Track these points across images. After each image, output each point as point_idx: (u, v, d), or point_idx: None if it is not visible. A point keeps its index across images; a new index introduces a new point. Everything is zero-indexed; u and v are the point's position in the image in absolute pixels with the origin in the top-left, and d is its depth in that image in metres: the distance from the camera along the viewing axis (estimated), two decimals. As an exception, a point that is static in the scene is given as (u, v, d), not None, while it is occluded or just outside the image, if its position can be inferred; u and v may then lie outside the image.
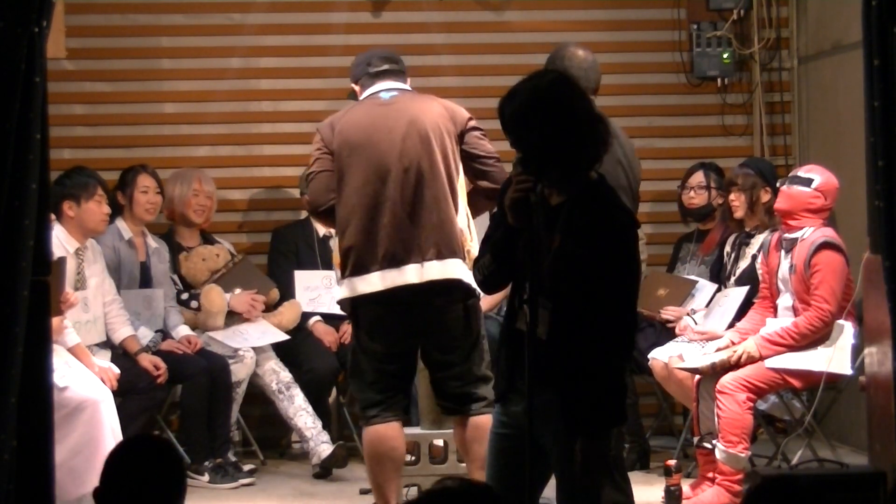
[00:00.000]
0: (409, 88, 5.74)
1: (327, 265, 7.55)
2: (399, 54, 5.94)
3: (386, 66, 5.74)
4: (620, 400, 4.16)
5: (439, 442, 6.39)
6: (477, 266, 4.31)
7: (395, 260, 5.47)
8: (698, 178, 7.49)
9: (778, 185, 6.71)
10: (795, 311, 6.46)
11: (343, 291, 5.59)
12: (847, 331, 6.39)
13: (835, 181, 6.56)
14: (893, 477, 4.76)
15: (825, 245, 6.39)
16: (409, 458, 6.20)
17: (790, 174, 6.63)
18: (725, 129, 8.29)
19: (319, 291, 7.53)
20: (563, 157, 4.10)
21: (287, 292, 7.59)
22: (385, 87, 5.69)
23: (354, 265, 5.52)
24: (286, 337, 7.39)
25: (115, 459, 3.59)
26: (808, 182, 6.48)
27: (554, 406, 4.08)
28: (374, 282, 5.49)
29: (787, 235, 6.53)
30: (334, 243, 7.65)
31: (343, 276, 5.59)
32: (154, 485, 3.52)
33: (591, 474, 4.12)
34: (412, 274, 5.47)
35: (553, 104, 4.10)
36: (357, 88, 5.81)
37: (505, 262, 4.15)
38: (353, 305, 5.60)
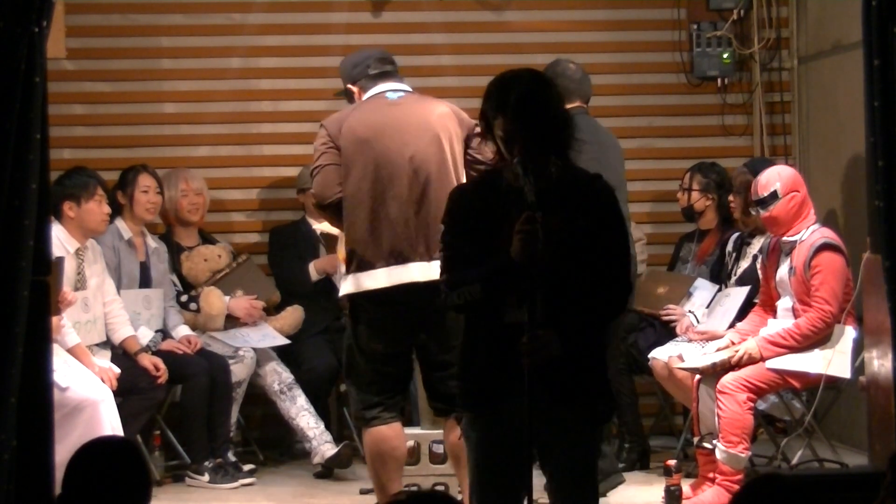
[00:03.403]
0: (412, 90, 5.75)
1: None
2: (399, 54, 5.93)
3: (388, 68, 5.76)
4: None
5: (439, 449, 6.39)
6: (456, 291, 4.19)
7: (401, 257, 5.46)
8: (685, 179, 7.50)
9: (752, 212, 6.69)
10: (795, 313, 6.45)
11: (348, 287, 5.57)
12: (847, 335, 6.38)
13: (790, 170, 6.65)
14: (893, 477, 4.76)
15: (825, 246, 6.39)
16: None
17: (754, 199, 6.55)
18: (725, 129, 8.28)
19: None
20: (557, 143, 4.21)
21: (289, 291, 7.58)
22: (391, 88, 5.69)
23: (360, 261, 5.52)
24: (286, 341, 7.39)
25: (77, 464, 3.55)
26: (774, 196, 6.46)
27: (554, 400, 4.11)
28: (379, 278, 5.48)
29: (785, 239, 6.53)
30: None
31: (348, 272, 5.58)
32: (117, 488, 3.49)
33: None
34: (417, 272, 5.45)
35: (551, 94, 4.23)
36: (355, 90, 5.80)
37: (496, 298, 4.11)
38: (353, 304, 5.60)
